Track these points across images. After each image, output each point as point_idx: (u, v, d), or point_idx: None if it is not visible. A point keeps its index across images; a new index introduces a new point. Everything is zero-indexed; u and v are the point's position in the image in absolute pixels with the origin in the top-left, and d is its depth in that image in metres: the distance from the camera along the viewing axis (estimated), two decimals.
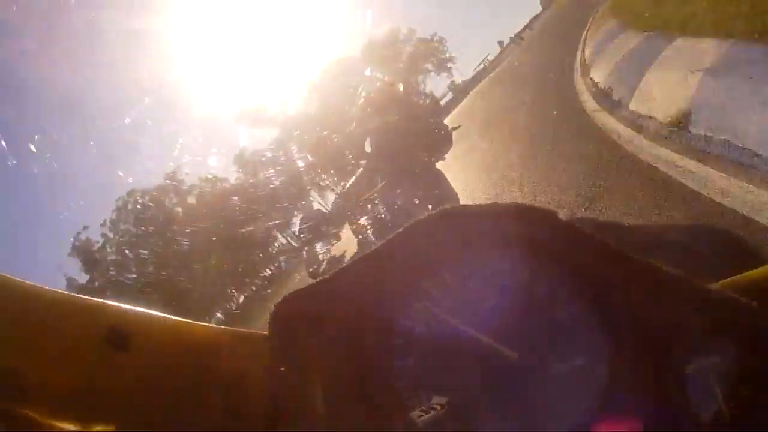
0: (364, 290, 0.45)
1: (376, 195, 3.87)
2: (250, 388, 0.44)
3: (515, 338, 0.42)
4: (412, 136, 3.68)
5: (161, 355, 0.44)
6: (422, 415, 0.40)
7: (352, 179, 4.56)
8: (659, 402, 0.39)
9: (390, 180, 3.76)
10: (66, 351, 0.42)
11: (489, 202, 0.46)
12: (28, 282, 0.43)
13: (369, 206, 4.14)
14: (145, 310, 0.46)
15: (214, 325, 0.47)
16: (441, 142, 3.87)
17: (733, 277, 0.44)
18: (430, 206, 3.39)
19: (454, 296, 0.44)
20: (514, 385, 0.41)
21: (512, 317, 0.43)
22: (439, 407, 0.41)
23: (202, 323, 0.47)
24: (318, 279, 0.45)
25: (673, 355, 0.39)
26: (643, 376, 0.39)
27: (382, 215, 3.95)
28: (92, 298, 0.44)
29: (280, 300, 0.44)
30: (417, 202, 3.63)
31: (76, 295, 0.44)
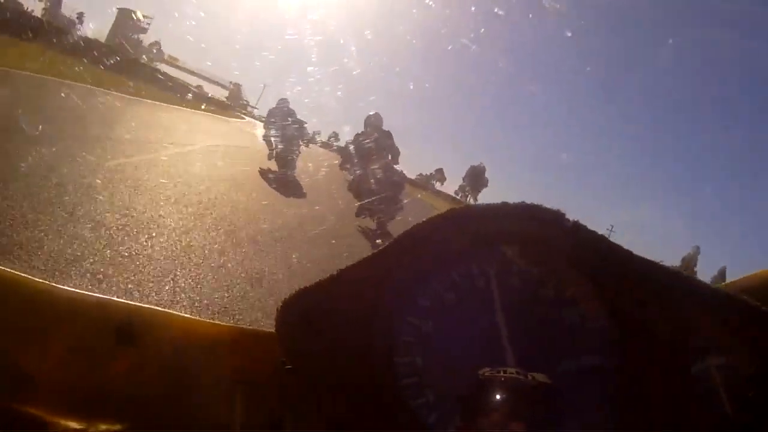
0: (371, 288, 0.45)
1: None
2: (259, 386, 0.44)
3: (522, 338, 0.42)
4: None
5: (170, 352, 0.44)
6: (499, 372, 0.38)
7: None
8: (666, 402, 0.39)
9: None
10: (74, 348, 0.42)
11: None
12: (36, 279, 0.43)
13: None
14: (154, 307, 0.46)
15: (224, 323, 0.47)
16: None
17: (741, 278, 0.44)
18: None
19: (462, 295, 0.44)
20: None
21: (520, 317, 0.43)
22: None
23: (211, 321, 0.47)
24: (325, 277, 0.45)
25: (680, 356, 0.39)
26: (651, 376, 0.39)
27: None
28: (101, 295, 0.44)
29: (287, 297, 0.44)
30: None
31: (84, 291, 0.44)
